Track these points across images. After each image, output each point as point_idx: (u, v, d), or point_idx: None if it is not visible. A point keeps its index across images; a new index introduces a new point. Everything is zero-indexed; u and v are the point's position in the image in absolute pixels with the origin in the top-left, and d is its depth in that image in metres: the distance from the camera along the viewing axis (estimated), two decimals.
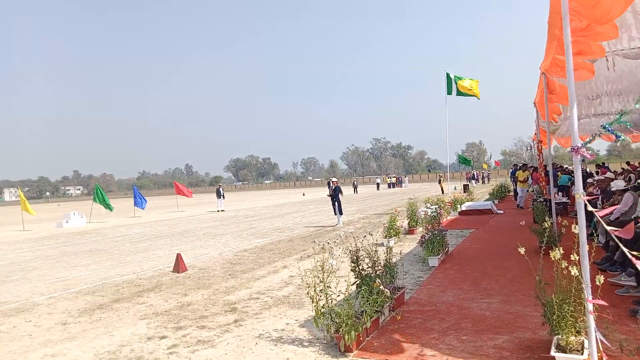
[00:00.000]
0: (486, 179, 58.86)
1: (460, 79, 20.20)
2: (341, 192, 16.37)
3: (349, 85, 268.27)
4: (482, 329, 4.79)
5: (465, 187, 30.36)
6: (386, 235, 10.63)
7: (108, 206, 27.87)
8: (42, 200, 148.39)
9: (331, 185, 17.00)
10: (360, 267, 5.55)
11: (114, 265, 10.81)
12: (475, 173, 57.75)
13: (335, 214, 16.24)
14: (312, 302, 4.84)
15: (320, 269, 4.89)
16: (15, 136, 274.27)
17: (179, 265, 9.24)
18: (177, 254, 9.55)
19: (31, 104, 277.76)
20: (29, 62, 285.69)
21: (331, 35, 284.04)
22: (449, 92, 20.51)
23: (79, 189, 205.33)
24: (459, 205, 17.01)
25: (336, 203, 16.01)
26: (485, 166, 65.40)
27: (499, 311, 5.34)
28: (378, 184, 59.57)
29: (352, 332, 4.43)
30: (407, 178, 71.86)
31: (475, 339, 4.54)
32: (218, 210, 29.90)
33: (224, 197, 31.45)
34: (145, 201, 31.13)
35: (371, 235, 7.96)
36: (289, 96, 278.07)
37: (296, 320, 5.68)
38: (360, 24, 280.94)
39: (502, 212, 16.75)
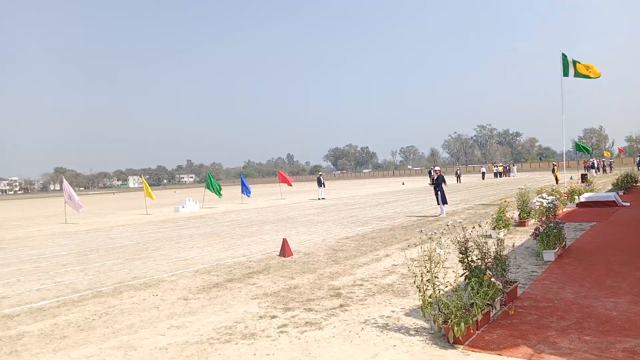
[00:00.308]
0: (608, 168, 53.49)
1: (578, 62, 18.62)
2: (444, 181, 15.89)
3: (449, 68, 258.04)
4: (608, 330, 4.39)
5: (584, 177, 27.88)
6: (495, 227, 10.13)
7: (218, 192, 29.79)
8: (160, 187, 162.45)
9: (432, 174, 16.58)
10: (469, 259, 5.36)
11: (226, 247, 11.53)
12: (594, 161, 52.67)
13: (438, 204, 15.81)
14: (419, 291, 4.78)
15: (427, 258, 4.81)
16: (137, 129, 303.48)
17: (285, 250, 9.62)
18: (283, 239, 9.95)
19: (151, 101, 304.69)
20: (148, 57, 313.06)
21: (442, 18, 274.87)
22: (565, 74, 18.93)
23: (192, 177, 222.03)
24: (576, 196, 15.68)
25: (439, 192, 15.57)
26: (606, 154, 59.42)
27: (629, 312, 4.85)
28: (483, 173, 56.81)
29: (462, 324, 4.30)
30: (515, 167, 67.60)
31: (600, 340, 4.17)
32: (319, 199, 30.57)
33: (324, 185, 32.06)
34: (249, 189, 32.81)
35: (480, 226, 7.62)
36: (383, 83, 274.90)
37: (401, 308, 5.64)
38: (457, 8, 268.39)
39: (628, 204, 15.14)
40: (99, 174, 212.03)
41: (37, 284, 8.47)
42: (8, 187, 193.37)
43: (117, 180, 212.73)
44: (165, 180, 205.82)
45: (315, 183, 34.55)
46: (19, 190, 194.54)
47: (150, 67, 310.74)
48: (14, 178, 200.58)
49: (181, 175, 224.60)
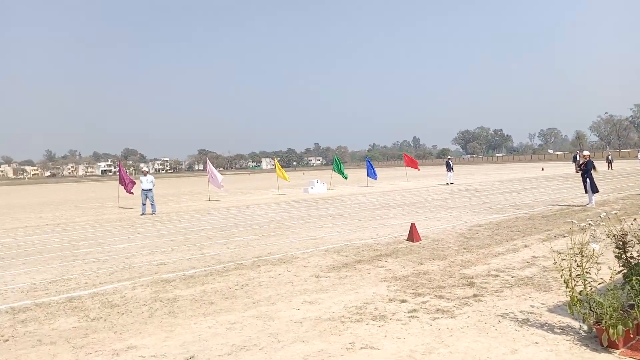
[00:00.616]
0: None
1: None
2: (594, 167, 14.27)
3: (600, 38, 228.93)
4: None
5: None
6: None
7: (343, 175, 30.36)
8: (289, 169, 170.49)
9: (578, 159, 14.99)
10: (629, 255, 4.74)
11: (353, 229, 11.72)
12: None
13: (586, 192, 14.27)
14: (567, 287, 4.36)
15: (578, 251, 4.36)
16: (270, 115, 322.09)
17: (413, 235, 9.48)
18: (412, 223, 9.79)
19: (282, 89, 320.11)
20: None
21: None
22: None
23: (319, 160, 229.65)
24: None
25: (587, 179, 14.03)
26: None
27: None
28: None
29: (619, 327, 3.83)
30: None
31: None
32: (447, 183, 29.55)
33: (453, 169, 30.88)
34: (375, 172, 32.88)
35: None
36: (518, 57, 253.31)
37: (543, 303, 5.22)
38: None
39: None
40: (235, 155, 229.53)
41: (187, 254, 9.46)
42: (161, 167, 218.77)
43: (252, 162, 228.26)
44: (294, 163, 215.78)
45: (444, 167, 33.43)
46: (169, 169, 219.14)
47: (281, 60, 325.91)
48: (165, 159, 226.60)
49: (309, 158, 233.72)
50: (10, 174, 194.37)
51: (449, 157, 34.72)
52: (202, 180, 58.60)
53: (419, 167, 36.14)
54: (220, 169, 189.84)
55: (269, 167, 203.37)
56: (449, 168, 30.52)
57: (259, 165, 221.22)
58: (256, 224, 13.80)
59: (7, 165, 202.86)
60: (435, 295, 5.73)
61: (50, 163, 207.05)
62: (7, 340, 4.86)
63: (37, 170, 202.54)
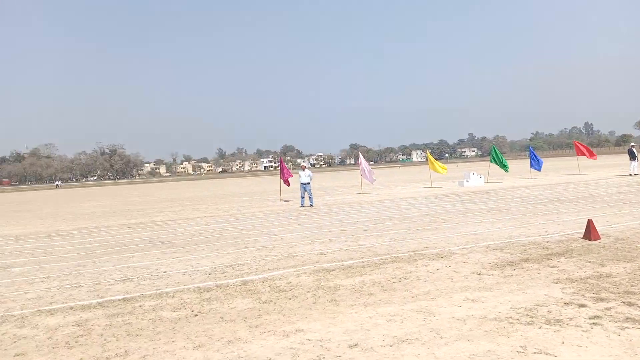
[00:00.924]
0: None
1: None
2: None
3: None
4: None
5: None
6: None
7: (504, 167, 28.34)
8: (441, 161, 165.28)
9: None
10: None
11: (517, 225, 10.88)
12: None
13: None
14: None
15: None
16: (416, 105, 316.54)
17: (590, 232, 8.43)
18: (589, 220, 8.71)
19: (432, 77, 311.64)
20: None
21: None
22: None
23: (473, 151, 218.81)
24: None
25: None
26: None
27: None
28: None
29: None
30: None
31: None
32: (630, 174, 25.71)
33: (638, 159, 26.74)
34: (542, 162, 30.04)
35: None
36: None
37: None
38: None
39: None
40: (385, 149, 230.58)
41: (344, 245, 9.76)
42: (315, 162, 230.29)
43: (402, 155, 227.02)
44: (446, 154, 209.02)
45: (625, 156, 29.10)
46: (323, 164, 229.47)
47: (430, 50, 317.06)
48: (319, 154, 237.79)
49: (462, 149, 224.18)
50: (190, 170, 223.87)
51: (633, 144, 29.90)
52: (354, 174, 60.12)
53: (595, 156, 31.92)
54: (371, 162, 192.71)
55: (419, 159, 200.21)
56: (633, 157, 26.50)
57: (409, 158, 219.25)
58: (410, 217, 13.65)
59: (187, 162, 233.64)
60: (623, 302, 5.01)
61: (222, 160, 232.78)
62: (196, 315, 5.56)
63: (211, 166, 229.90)
